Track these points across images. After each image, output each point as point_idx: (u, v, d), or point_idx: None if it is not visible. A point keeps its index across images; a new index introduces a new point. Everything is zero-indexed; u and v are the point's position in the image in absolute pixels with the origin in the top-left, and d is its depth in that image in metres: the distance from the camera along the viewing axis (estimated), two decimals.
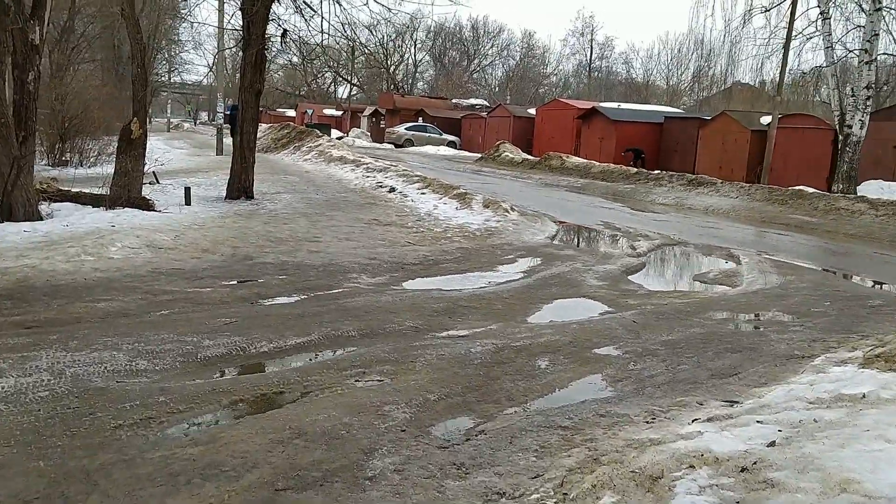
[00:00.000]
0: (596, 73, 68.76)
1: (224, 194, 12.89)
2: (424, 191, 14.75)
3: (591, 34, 67.72)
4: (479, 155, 33.31)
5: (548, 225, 12.23)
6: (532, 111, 38.76)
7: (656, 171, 21.67)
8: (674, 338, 5.51)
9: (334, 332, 5.08)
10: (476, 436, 3.46)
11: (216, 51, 27.03)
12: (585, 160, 24.90)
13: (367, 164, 19.25)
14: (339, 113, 58.01)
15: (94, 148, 18.98)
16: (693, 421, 3.50)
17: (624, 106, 36.19)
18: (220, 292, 6.07)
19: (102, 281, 6.07)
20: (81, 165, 17.87)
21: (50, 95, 18.44)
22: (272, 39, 13.69)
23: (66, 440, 3.13)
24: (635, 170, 22.23)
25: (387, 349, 4.74)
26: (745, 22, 22.76)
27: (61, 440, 3.13)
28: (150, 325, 4.93)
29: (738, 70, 25.81)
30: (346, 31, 15.29)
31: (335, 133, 42.34)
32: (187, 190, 11.38)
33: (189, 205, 11.09)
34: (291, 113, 61.76)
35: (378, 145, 41.82)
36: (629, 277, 8.37)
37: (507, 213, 12.19)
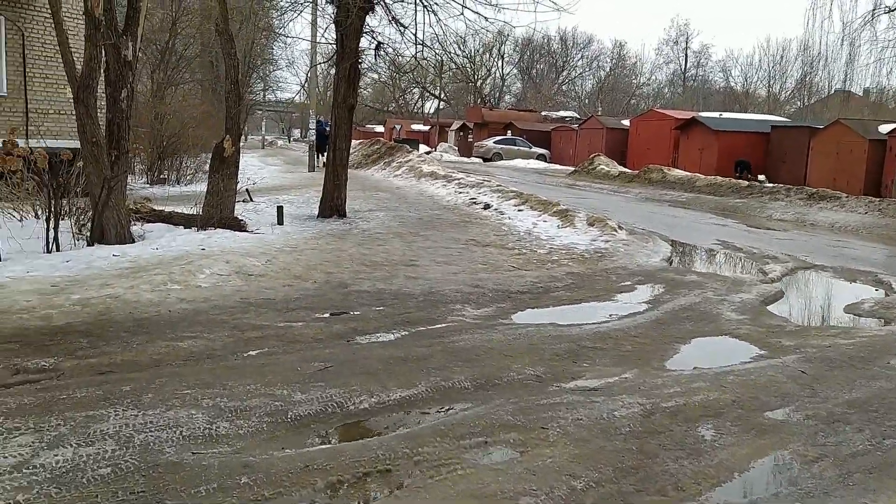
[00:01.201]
0: (691, 82, 66.25)
1: (316, 212, 12.49)
2: (521, 207, 13.92)
3: (686, 42, 65.41)
4: (572, 168, 32.18)
5: (660, 245, 11.13)
6: (626, 122, 37.31)
7: (770, 185, 20.03)
8: (860, 396, 4.44)
9: (444, 383, 4.30)
10: None
11: (308, 67, 27.15)
12: (689, 173, 23.42)
13: (458, 179, 18.60)
14: (427, 128, 58.02)
15: (190, 165, 19.16)
16: None
17: (725, 115, 34.29)
18: (313, 327, 5.42)
19: (188, 314, 5.54)
20: (178, 183, 18.05)
21: (150, 114, 18.76)
22: (365, 53, 13.24)
23: None
24: (746, 183, 20.63)
25: (509, 408, 3.92)
26: (865, 24, 20.92)
27: None
28: (236, 371, 4.30)
29: (856, 76, 23.74)
30: (439, 43, 14.74)
31: (423, 148, 42.14)
32: (280, 209, 10.98)
33: (281, 224, 10.68)
34: (380, 129, 62.29)
35: (466, 159, 41.28)
36: (769, 309, 7.25)
37: (614, 232, 11.18)
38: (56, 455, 3.04)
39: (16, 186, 9.12)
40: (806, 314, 7.49)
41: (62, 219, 8.91)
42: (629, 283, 8.08)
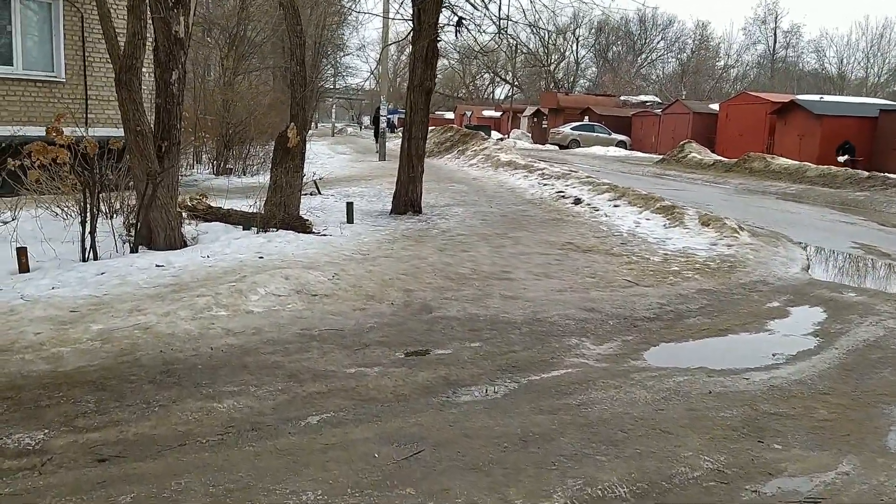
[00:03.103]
0: (780, 63, 62.36)
1: (388, 208, 11.27)
2: (618, 202, 12.33)
3: (775, 21, 61.55)
4: (658, 156, 30.08)
5: (793, 250, 9.39)
6: (714, 107, 34.83)
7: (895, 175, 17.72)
8: None
9: (589, 490, 2.91)
10: None
11: (379, 53, 25.88)
12: (798, 162, 21.15)
13: (541, 169, 17.07)
14: (498, 114, 56.37)
15: (258, 154, 18.26)
16: None
17: (827, 98, 31.55)
18: (392, 376, 4.11)
19: (233, 353, 4.31)
20: (244, 174, 17.16)
21: (216, 101, 17.93)
22: (445, 30, 11.87)
23: None
24: (867, 174, 18.32)
25: None
26: None
27: None
28: (288, 460, 3.02)
29: None
30: (525, 17, 13.26)
31: (495, 135, 40.59)
32: (349, 206, 9.78)
33: (351, 223, 9.47)
34: (450, 115, 60.96)
35: (540, 147, 39.55)
36: None
37: (736, 234, 9.50)
38: None
39: (62, 180, 8.17)
40: None
41: (111, 217, 7.95)
42: (777, 304, 6.48)
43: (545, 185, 15.26)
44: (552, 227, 10.32)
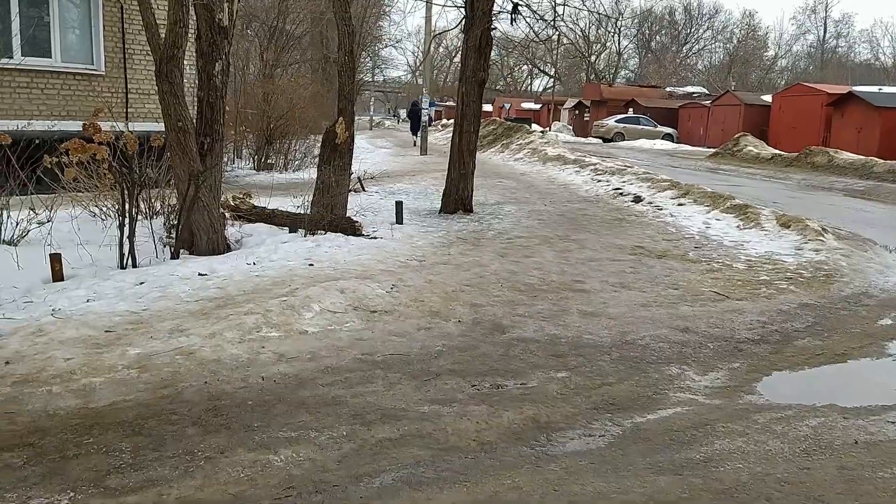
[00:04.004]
0: (830, 54, 60.21)
1: (437, 206, 10.67)
2: (682, 200, 11.54)
3: (826, 10, 59.45)
4: (711, 149, 28.92)
5: (883, 255, 8.51)
6: (767, 98, 33.48)
7: None
8: None
9: None
10: None
11: (418, 47, 25.23)
12: (864, 157, 19.99)
13: (593, 164, 16.29)
14: (538, 106, 55.37)
15: (299, 149, 17.81)
16: None
17: (886, 90, 30.04)
18: (472, 417, 3.50)
19: (287, 385, 3.74)
20: (286, 169, 16.73)
21: (257, 94, 17.52)
22: (498, 17, 11.20)
23: None
24: None
25: None
26: None
27: None
28: None
29: None
30: (583, 2, 12.53)
31: (535, 127, 39.69)
32: (398, 205, 9.18)
33: (401, 223, 8.89)
34: (488, 108, 60.09)
35: (583, 140, 38.56)
36: None
37: (821, 238, 8.65)
38: None
39: (100, 178, 7.72)
40: None
41: (150, 219, 7.48)
42: (889, 321, 5.70)
43: (599, 181, 14.50)
44: (616, 228, 9.60)
